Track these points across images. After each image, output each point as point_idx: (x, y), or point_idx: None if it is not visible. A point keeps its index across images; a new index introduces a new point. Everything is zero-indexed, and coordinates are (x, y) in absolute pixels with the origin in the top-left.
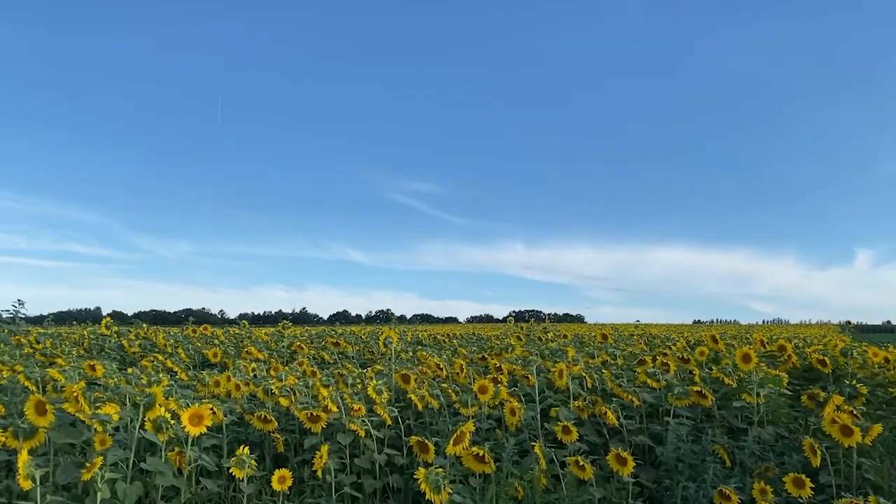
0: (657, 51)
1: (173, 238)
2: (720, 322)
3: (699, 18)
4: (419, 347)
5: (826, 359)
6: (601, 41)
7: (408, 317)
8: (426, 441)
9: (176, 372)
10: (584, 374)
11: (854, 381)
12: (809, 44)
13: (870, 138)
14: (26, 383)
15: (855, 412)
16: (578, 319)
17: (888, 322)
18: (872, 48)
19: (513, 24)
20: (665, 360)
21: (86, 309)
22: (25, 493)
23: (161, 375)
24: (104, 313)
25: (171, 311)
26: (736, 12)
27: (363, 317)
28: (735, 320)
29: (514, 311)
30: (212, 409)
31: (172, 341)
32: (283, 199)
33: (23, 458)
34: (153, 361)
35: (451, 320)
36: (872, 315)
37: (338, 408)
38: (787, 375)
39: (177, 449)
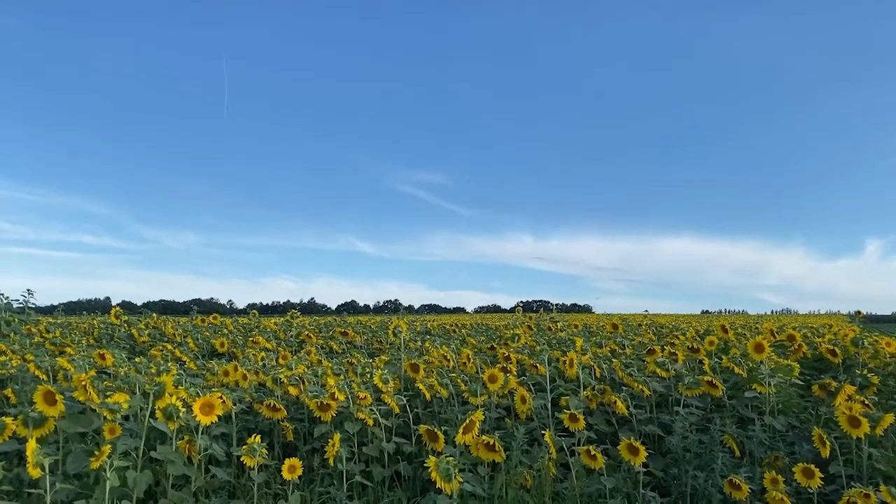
0: (665, 41)
1: (181, 229)
2: (729, 312)
3: (707, 9)
4: (428, 337)
5: (836, 349)
6: (609, 32)
7: (415, 307)
8: (435, 430)
9: (185, 361)
10: (593, 364)
11: (865, 371)
12: (820, 33)
13: (880, 128)
14: (37, 372)
15: (866, 402)
16: (586, 310)
17: None
18: (884, 38)
19: (520, 14)
20: (674, 350)
21: (95, 299)
22: (35, 481)
23: (170, 364)
24: (113, 303)
25: (181, 302)
26: (744, 2)
27: (371, 307)
28: (744, 310)
29: (521, 302)
30: (221, 397)
31: (181, 331)
32: (289, 190)
33: (31, 447)
34: (162, 351)
35: (459, 310)
36: (882, 305)
37: (346, 396)
38: (798, 365)
39: (187, 438)
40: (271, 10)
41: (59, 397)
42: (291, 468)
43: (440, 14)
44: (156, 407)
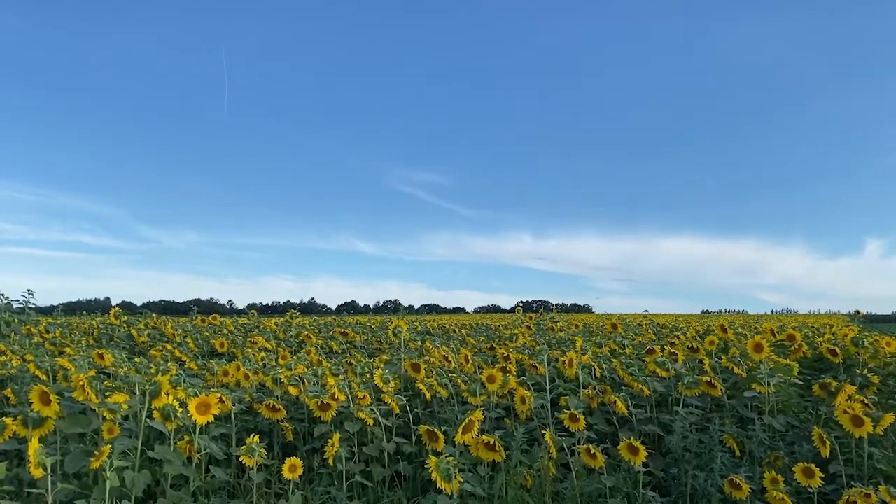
0: (665, 40)
1: (181, 228)
2: (728, 312)
3: (706, 10)
4: (428, 337)
5: (837, 348)
6: (610, 31)
7: (415, 307)
8: (435, 430)
9: (184, 361)
10: (592, 364)
11: (865, 371)
12: (820, 32)
13: (881, 127)
14: (36, 372)
15: (867, 401)
16: (586, 310)
17: None
18: (885, 36)
19: (520, 13)
20: (674, 350)
21: (95, 299)
22: (36, 481)
23: (170, 365)
24: (113, 303)
25: (180, 302)
26: (744, 3)
27: (371, 307)
28: (744, 310)
29: (521, 302)
30: (220, 398)
31: (181, 331)
32: (289, 189)
33: (33, 447)
34: (162, 351)
35: (459, 310)
36: (882, 305)
37: (346, 396)
38: (797, 365)
39: (186, 438)
40: (271, 10)
41: (53, 397)
42: (292, 468)
43: (439, 14)
44: (153, 407)
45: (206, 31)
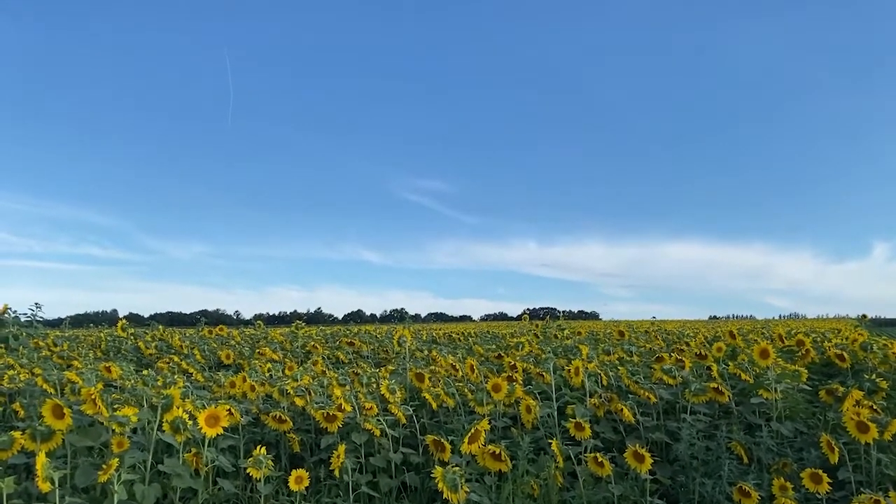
0: (669, 44)
1: (187, 240)
2: (736, 317)
3: (713, 10)
4: (434, 346)
5: (845, 353)
6: (614, 35)
7: (422, 315)
8: (442, 439)
9: (192, 373)
10: (599, 372)
11: (874, 376)
12: (827, 33)
13: (886, 129)
14: (44, 386)
15: (875, 407)
16: (593, 316)
17: None
18: (893, 38)
19: (524, 19)
20: (681, 357)
21: (102, 311)
22: (44, 495)
23: (177, 377)
24: (120, 315)
25: (187, 313)
26: (747, 6)
27: (377, 316)
28: (751, 315)
29: (528, 309)
30: (228, 409)
31: (188, 343)
32: (294, 199)
33: (41, 461)
34: (169, 363)
35: (465, 318)
36: (890, 308)
37: (352, 407)
38: (805, 371)
39: (194, 450)
40: (277, 16)
41: (66, 411)
42: (298, 479)
43: (442, 21)
44: (164, 419)
45: (210, 40)
